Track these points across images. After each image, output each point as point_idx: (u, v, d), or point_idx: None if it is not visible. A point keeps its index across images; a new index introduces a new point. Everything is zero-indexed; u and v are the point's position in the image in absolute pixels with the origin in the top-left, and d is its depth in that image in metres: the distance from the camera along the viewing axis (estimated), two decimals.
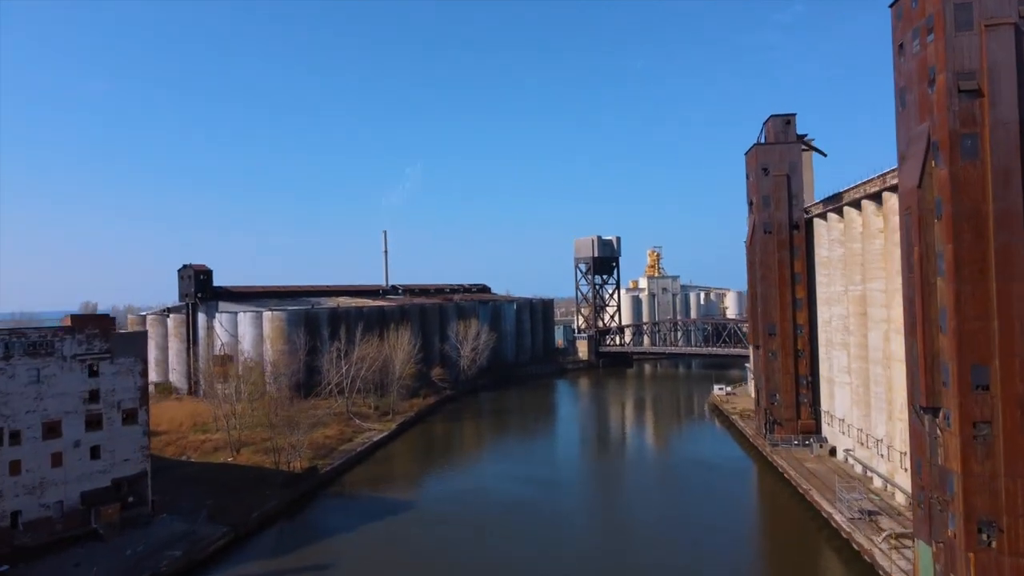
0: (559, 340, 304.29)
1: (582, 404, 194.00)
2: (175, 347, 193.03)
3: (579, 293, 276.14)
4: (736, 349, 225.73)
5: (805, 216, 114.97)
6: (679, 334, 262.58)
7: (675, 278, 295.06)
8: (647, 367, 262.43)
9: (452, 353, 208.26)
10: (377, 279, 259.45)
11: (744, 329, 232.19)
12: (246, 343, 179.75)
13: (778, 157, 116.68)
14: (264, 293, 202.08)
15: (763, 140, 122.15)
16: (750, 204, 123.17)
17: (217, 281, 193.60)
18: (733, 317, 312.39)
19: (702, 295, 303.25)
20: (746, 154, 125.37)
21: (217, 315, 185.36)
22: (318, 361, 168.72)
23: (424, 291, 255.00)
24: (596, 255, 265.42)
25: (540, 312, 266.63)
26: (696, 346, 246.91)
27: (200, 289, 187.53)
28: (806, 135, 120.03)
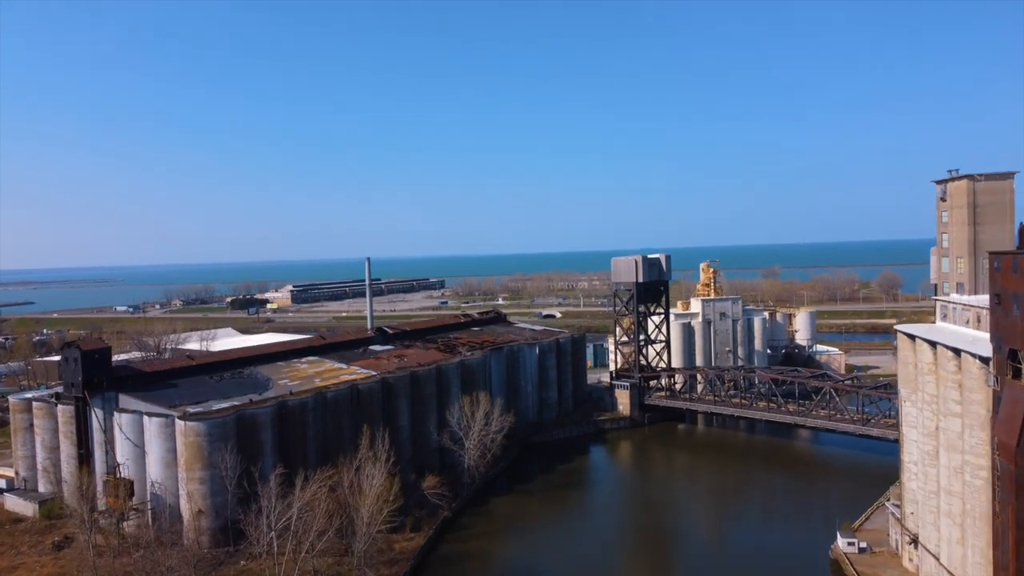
0: (588, 362, 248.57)
1: (624, 522, 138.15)
2: (66, 451, 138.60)
3: (618, 327, 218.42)
4: (833, 423, 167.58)
5: None
6: (743, 378, 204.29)
7: (735, 300, 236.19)
8: (699, 422, 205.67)
9: (454, 445, 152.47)
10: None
11: (844, 385, 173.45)
12: (153, 462, 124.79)
13: None
14: (189, 369, 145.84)
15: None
16: (1011, 359, 64.69)
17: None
18: (803, 342, 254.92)
19: (766, 316, 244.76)
20: (998, 256, 66.74)
21: (116, 415, 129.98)
22: (251, 500, 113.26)
23: (419, 333, 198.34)
24: (641, 280, 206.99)
25: (569, 353, 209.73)
26: (768, 400, 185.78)
27: (92, 374, 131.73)
28: None
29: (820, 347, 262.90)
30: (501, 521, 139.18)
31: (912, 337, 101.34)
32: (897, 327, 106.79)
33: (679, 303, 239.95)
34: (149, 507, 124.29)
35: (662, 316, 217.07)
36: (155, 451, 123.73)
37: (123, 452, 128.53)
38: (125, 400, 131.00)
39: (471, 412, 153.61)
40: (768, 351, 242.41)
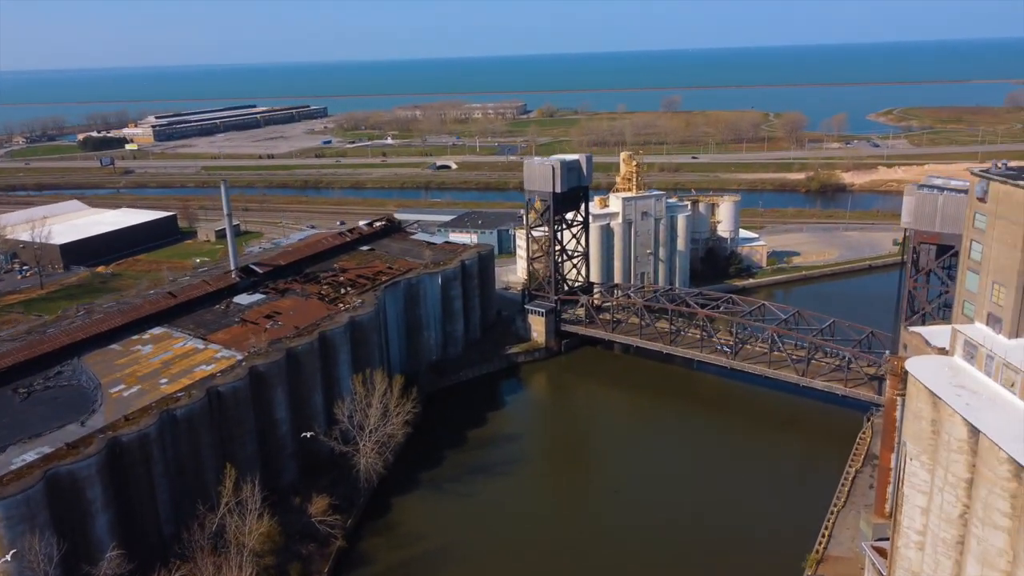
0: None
1: (556, 519, 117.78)
2: None
3: (530, 237, 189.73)
4: (802, 377, 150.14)
5: None
6: (662, 290, 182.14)
7: (659, 197, 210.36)
8: (616, 347, 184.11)
9: (346, 446, 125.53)
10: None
11: (809, 339, 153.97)
12: None
13: None
14: None
15: None
16: None
17: None
18: (726, 234, 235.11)
19: (688, 210, 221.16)
20: None
21: None
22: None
23: (295, 267, 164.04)
24: (559, 190, 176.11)
25: (476, 276, 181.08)
26: (702, 329, 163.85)
27: None
28: None
29: (743, 233, 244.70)
30: (409, 542, 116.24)
31: (934, 395, 78.75)
32: (909, 367, 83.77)
33: (596, 199, 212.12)
34: None
35: (579, 225, 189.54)
36: None
37: None
38: None
39: (365, 399, 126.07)
40: (690, 245, 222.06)
